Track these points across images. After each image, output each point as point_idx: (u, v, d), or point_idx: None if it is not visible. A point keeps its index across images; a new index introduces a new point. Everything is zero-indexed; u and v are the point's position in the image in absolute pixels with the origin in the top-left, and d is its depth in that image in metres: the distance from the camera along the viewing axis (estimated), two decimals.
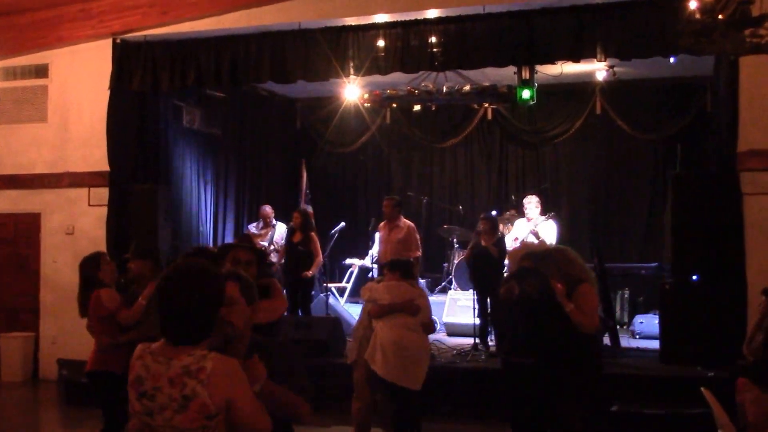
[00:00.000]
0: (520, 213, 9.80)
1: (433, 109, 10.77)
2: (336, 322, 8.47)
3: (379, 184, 13.03)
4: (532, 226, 9.17)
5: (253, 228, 10.42)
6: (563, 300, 4.62)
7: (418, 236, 9.03)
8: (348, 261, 11.28)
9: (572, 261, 4.79)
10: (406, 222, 9.12)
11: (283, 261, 9.60)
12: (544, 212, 9.43)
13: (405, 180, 12.91)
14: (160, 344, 2.38)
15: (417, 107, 10.58)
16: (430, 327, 5.88)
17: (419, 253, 9.04)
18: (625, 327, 9.88)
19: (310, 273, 9.03)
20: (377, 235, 9.45)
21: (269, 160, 12.46)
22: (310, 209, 11.82)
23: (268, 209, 10.29)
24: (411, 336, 5.63)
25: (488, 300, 8.55)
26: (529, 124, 12.06)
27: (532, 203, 9.32)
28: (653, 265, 10.66)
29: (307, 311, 9.07)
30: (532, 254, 5.15)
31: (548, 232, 9.21)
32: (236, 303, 2.58)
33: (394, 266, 5.97)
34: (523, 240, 9.08)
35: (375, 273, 9.43)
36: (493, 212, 10.24)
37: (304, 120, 13.10)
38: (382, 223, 9.10)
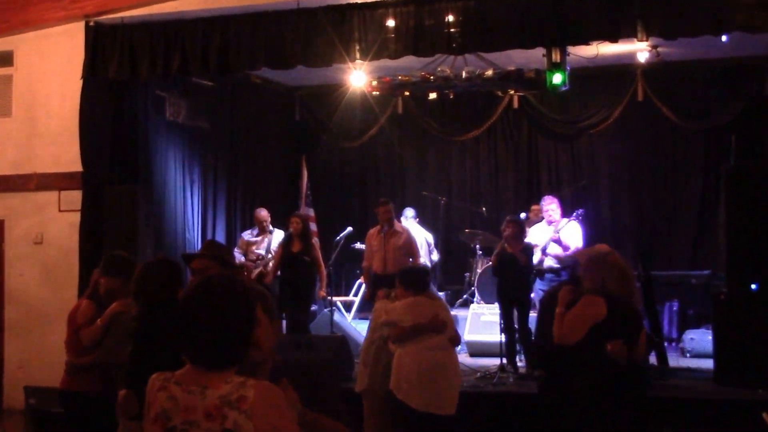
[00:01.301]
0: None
1: (451, 97, 10.88)
2: (342, 341, 8.52)
3: (390, 182, 13.11)
4: (552, 232, 9.25)
5: (247, 235, 10.47)
6: (560, 302, 4.73)
7: (416, 239, 9.20)
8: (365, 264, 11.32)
9: (607, 266, 4.79)
10: (402, 226, 9.33)
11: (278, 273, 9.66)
12: (565, 213, 9.53)
13: (420, 178, 12.97)
14: (185, 371, 2.36)
15: (432, 95, 10.67)
16: (456, 340, 6.06)
17: (421, 260, 9.20)
18: (673, 344, 9.91)
19: (323, 292, 9.21)
20: (369, 244, 9.58)
21: (265, 157, 12.51)
22: (311, 213, 12.28)
23: (263, 213, 10.34)
24: (440, 356, 5.76)
25: (514, 313, 8.64)
26: (561, 113, 12.10)
27: (554, 204, 9.48)
28: (705, 272, 10.65)
29: (301, 327, 9.19)
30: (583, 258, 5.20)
31: (572, 235, 9.29)
32: (260, 323, 2.62)
33: (408, 280, 6.03)
34: (541, 247, 9.17)
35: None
36: (522, 214, 10.35)
37: (304, 111, 13.16)
38: (372, 231, 9.20)
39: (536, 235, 9.46)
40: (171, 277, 4.40)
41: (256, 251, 10.16)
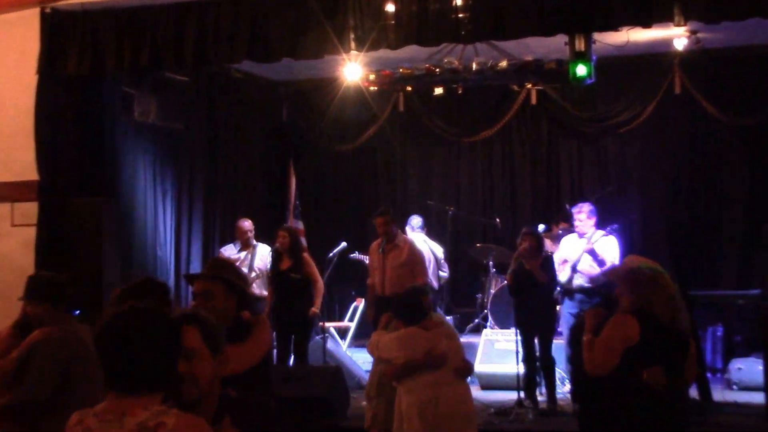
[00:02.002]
0: (574, 226, 9.88)
1: (460, 92, 10.82)
2: (336, 372, 8.57)
3: (390, 190, 13.19)
4: (586, 244, 9.24)
5: (227, 250, 10.52)
6: (586, 329, 4.77)
7: (421, 253, 9.24)
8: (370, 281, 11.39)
9: (643, 283, 4.81)
10: (405, 239, 9.32)
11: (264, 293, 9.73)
12: (600, 224, 9.49)
13: (424, 185, 13.04)
14: (105, 403, 2.51)
15: (438, 90, 10.70)
16: (464, 370, 6.06)
17: (426, 279, 9.24)
18: (718, 375, 9.92)
19: (316, 308, 9.16)
20: (369, 259, 9.64)
21: (247, 163, 12.57)
22: (300, 225, 12.34)
23: (246, 224, 10.40)
24: (445, 393, 5.76)
25: (535, 340, 8.68)
26: (586, 109, 12.13)
27: (583, 213, 9.38)
28: (754, 292, 10.61)
29: (303, 359, 9.21)
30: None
31: (609, 251, 9.25)
32: (197, 355, 2.73)
33: (397, 310, 6.10)
34: (573, 262, 9.17)
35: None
36: (540, 226, 10.44)
37: (291, 110, 13.24)
38: (374, 244, 9.25)
39: (568, 248, 9.42)
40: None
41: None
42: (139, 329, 2.50)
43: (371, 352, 6.18)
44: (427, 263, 9.98)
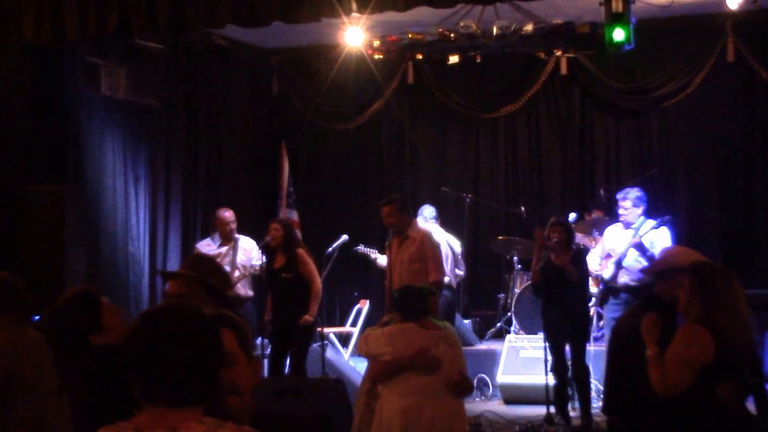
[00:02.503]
0: (612, 215, 9.82)
1: (478, 60, 10.75)
2: (337, 385, 8.32)
3: (398, 175, 13.05)
4: (632, 237, 9.12)
5: (205, 246, 10.40)
6: (647, 340, 4.68)
7: (437, 246, 9.16)
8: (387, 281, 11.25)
9: (716, 286, 4.68)
10: (419, 230, 9.21)
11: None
12: (650, 213, 9.38)
13: (438, 168, 12.90)
14: (144, 416, 2.46)
15: (454, 58, 10.61)
16: (461, 388, 6.01)
17: (441, 276, 9.13)
18: None
19: (310, 317, 9.09)
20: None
21: (232, 144, 12.49)
22: (294, 216, 12.09)
23: (227, 215, 10.26)
24: (430, 405, 5.74)
25: (565, 347, 8.64)
26: (625, 80, 12.03)
27: (629, 200, 9.27)
28: None
29: (300, 371, 9.12)
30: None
31: (660, 245, 9.00)
32: (237, 361, 2.78)
33: (396, 302, 6.16)
34: (618, 257, 9.06)
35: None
36: (571, 215, 10.30)
37: (283, 82, 13.15)
38: (391, 238, 9.12)
39: (612, 240, 9.35)
40: (83, 319, 4.31)
41: None
42: (183, 330, 2.48)
43: (359, 349, 6.21)
44: (444, 259, 9.84)
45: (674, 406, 4.63)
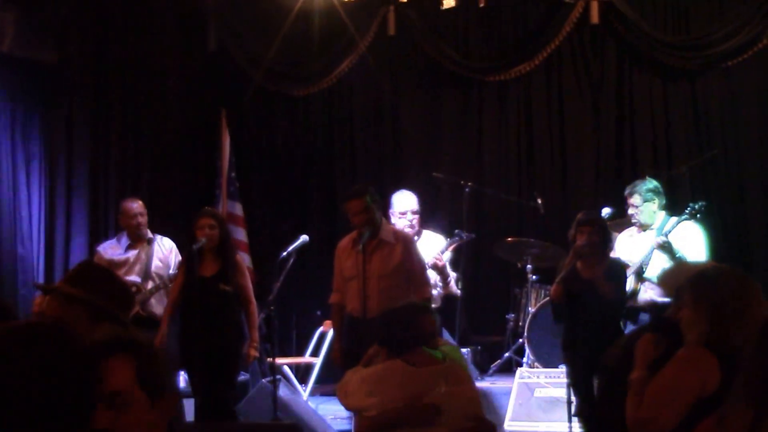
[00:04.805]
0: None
1: (481, 5, 10.61)
2: None
3: (375, 157, 12.70)
4: (658, 235, 8.90)
5: (109, 248, 10.01)
6: (637, 363, 4.66)
7: (420, 252, 8.90)
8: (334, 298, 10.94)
9: (725, 306, 4.46)
10: (396, 231, 8.84)
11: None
12: (709, 209, 9.29)
13: (428, 149, 12.50)
14: None
15: (449, 2, 10.38)
16: None
17: (430, 291, 8.78)
18: None
19: (256, 350, 8.77)
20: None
21: (156, 115, 12.15)
22: (237, 210, 11.83)
23: (134, 206, 9.86)
24: None
25: (593, 383, 8.17)
26: (675, 32, 11.65)
27: (638, 194, 9.11)
28: None
29: (229, 414, 8.70)
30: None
31: (690, 242, 8.98)
32: (129, 402, 2.69)
33: (378, 332, 6.01)
34: (637, 266, 8.92)
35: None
36: (605, 210, 9.92)
37: (224, 34, 12.67)
38: (344, 243, 8.78)
39: (626, 247, 9.23)
40: None
41: (127, 278, 9.53)
42: (32, 360, 2.34)
43: (341, 399, 5.94)
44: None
45: None
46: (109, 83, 11.54)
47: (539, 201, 11.32)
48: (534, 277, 10.75)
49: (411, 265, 8.55)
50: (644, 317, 8.86)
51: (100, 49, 11.44)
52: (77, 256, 11.10)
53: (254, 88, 12.53)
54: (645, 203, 9.03)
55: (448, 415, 5.55)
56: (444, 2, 10.42)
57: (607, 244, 8.39)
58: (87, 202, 11.26)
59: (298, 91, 12.41)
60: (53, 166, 10.95)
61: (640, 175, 10.68)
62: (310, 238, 9.93)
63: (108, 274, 5.01)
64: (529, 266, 10.75)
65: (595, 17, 11.55)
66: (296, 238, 9.76)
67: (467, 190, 11.15)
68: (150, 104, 12.03)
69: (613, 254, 9.05)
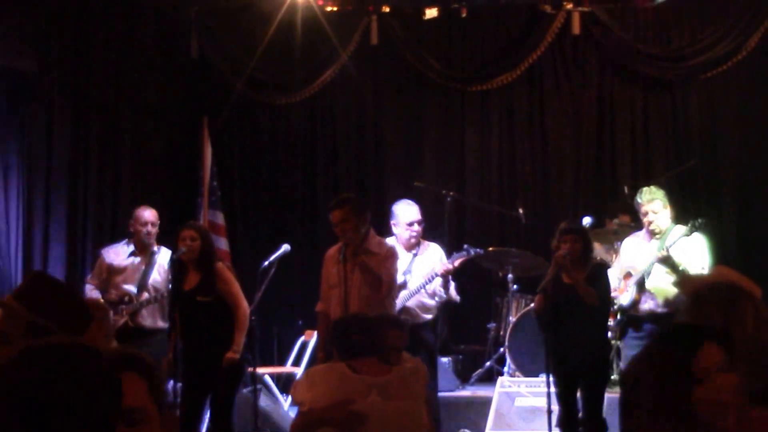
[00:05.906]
0: (639, 220, 9.60)
1: (464, 16, 10.71)
2: None
3: (357, 166, 12.75)
4: (660, 248, 8.89)
5: (113, 253, 9.94)
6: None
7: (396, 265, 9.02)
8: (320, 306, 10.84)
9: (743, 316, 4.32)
10: (381, 243, 8.95)
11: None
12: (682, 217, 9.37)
13: (410, 157, 12.57)
14: None
15: (431, 12, 10.59)
16: None
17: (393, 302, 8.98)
18: None
19: (234, 353, 8.69)
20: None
21: (136, 123, 12.10)
22: (219, 220, 11.79)
23: (147, 215, 9.88)
24: None
25: (577, 394, 8.34)
26: (656, 42, 11.78)
27: (658, 200, 9.08)
28: None
29: (225, 425, 8.73)
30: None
31: (694, 255, 8.99)
32: (146, 418, 2.66)
33: (333, 333, 6.14)
34: (639, 276, 8.93)
35: None
36: (585, 220, 10.13)
37: (206, 42, 12.70)
38: (331, 252, 8.89)
39: (632, 254, 9.20)
40: None
41: (123, 286, 9.63)
42: (62, 380, 2.27)
43: (291, 391, 6.16)
44: (430, 278, 9.64)
45: None
46: (89, 92, 11.48)
47: (521, 210, 11.41)
48: (515, 286, 10.81)
49: (390, 275, 8.59)
50: (646, 326, 8.82)
51: (80, 58, 11.39)
52: (54, 264, 11.01)
53: (236, 96, 12.51)
54: (665, 210, 9.02)
55: (376, 426, 5.57)
56: (426, 12, 10.57)
57: (589, 252, 8.50)
58: (65, 213, 11.18)
59: (281, 100, 12.47)
60: (30, 175, 10.88)
61: (620, 185, 10.96)
62: (291, 247, 9.96)
63: (59, 290, 4.95)
64: (510, 275, 10.81)
65: (576, 28, 11.66)
66: (278, 247, 9.79)
67: (449, 199, 11.23)
68: (131, 113, 11.97)
69: (617, 258, 9.32)
